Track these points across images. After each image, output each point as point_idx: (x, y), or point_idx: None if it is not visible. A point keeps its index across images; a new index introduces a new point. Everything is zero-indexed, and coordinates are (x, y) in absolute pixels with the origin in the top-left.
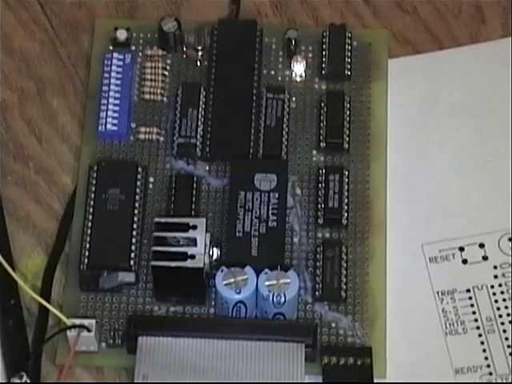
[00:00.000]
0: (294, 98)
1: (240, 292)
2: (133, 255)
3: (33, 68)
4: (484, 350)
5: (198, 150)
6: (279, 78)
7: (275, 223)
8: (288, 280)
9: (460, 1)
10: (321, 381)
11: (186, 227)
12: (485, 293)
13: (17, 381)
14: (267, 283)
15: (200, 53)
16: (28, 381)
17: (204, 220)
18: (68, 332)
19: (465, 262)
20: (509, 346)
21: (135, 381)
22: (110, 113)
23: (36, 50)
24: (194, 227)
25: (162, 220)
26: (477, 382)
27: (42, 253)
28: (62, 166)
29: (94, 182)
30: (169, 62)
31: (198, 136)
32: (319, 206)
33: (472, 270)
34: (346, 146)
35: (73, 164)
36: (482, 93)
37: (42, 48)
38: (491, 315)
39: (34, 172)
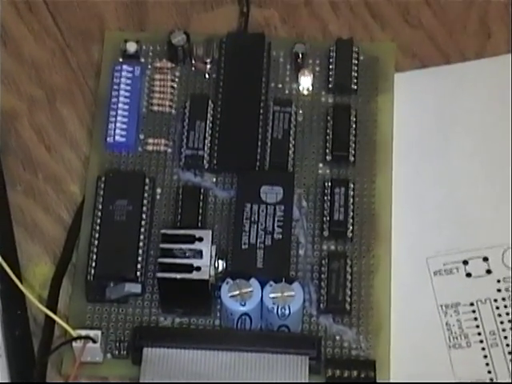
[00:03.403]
0: (300, 111)
1: (245, 304)
2: (139, 266)
3: (43, 77)
4: (487, 364)
5: (205, 161)
6: (286, 91)
7: (281, 235)
8: (293, 293)
9: (466, 16)
10: None
11: (192, 239)
12: (488, 306)
13: None
14: (272, 295)
15: (208, 65)
16: None
17: (210, 232)
18: (74, 343)
19: (469, 275)
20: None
21: None
22: (118, 124)
23: (46, 59)
24: (200, 239)
25: (169, 232)
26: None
27: (49, 262)
28: (71, 175)
29: (102, 192)
30: (177, 74)
31: (206, 148)
32: (325, 218)
33: (476, 284)
34: (352, 158)
35: (81, 172)
36: (487, 107)
37: (52, 57)
38: (494, 329)
39: (42, 180)
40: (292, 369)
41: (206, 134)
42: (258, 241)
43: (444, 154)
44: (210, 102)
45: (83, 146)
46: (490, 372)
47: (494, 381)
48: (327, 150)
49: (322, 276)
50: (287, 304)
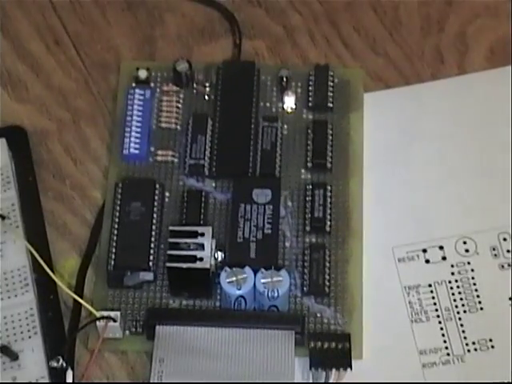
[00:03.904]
0: (285, 126)
1: (241, 288)
2: (151, 258)
3: (69, 101)
4: (443, 335)
5: (205, 169)
6: (273, 110)
7: (270, 230)
8: (281, 278)
9: (423, 44)
10: (308, 362)
11: (195, 234)
12: (444, 287)
13: (54, 364)
14: (263, 281)
15: (208, 89)
16: (64, 364)
17: (210, 228)
18: (97, 322)
19: (427, 261)
20: (463, 332)
21: (153, 363)
22: (132, 139)
23: (72, 87)
24: (202, 234)
25: (176, 228)
26: None
27: (76, 256)
28: (93, 183)
29: (120, 196)
30: (182, 96)
31: (206, 158)
32: (307, 215)
33: (433, 269)
34: (329, 165)
35: (102, 180)
36: (442, 120)
37: (77, 85)
38: (449, 306)
39: (69, 188)
40: (280, 342)
41: (206, 146)
42: (251, 235)
43: (406, 162)
44: (209, 119)
45: (103, 159)
46: (445, 341)
47: (449, 349)
48: (308, 159)
49: (305, 264)
50: (276, 288)
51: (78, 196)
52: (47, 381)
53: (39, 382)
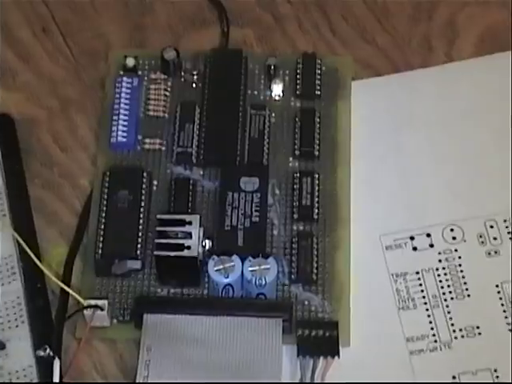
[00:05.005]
0: (273, 114)
1: (228, 276)
2: (139, 246)
3: (58, 89)
4: (430, 322)
5: (193, 157)
6: (261, 98)
7: (258, 218)
8: (268, 266)
9: (412, 32)
10: (295, 350)
11: (183, 223)
12: (431, 275)
13: (41, 353)
14: (251, 269)
15: (195, 77)
16: (51, 353)
17: (198, 217)
18: (85, 311)
19: (415, 249)
20: (450, 319)
21: (140, 352)
22: (120, 127)
23: (61, 75)
24: (190, 223)
25: (164, 217)
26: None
27: (64, 244)
28: (82, 171)
29: (107, 184)
30: (169, 84)
31: (194, 146)
32: (294, 203)
33: (421, 256)
34: (317, 153)
35: (90, 168)
36: (430, 107)
37: (65, 73)
38: (436, 293)
39: (58, 176)
40: (268, 329)
41: (194, 135)
42: (239, 223)
43: (394, 150)
44: (197, 107)
45: (91, 147)
46: (432, 329)
47: (436, 336)
48: (296, 147)
49: (293, 252)
50: (264, 276)
51: (66, 184)
52: (34, 370)
53: (27, 370)
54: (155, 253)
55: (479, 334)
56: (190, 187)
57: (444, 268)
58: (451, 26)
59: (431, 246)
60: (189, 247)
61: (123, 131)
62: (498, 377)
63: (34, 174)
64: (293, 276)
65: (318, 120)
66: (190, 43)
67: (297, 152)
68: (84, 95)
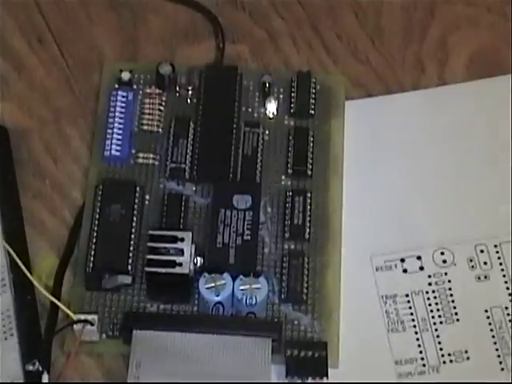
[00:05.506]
0: (267, 132)
1: (219, 295)
2: (130, 261)
3: (51, 100)
4: (419, 345)
5: (186, 173)
6: (255, 115)
7: (249, 236)
8: (259, 285)
9: (404, 53)
10: (284, 370)
11: (174, 239)
12: (421, 297)
13: (30, 368)
14: (241, 287)
15: (190, 92)
16: (40, 368)
17: (190, 234)
18: (75, 325)
19: (405, 271)
20: (439, 343)
21: (129, 367)
22: (114, 140)
23: (54, 86)
24: (182, 239)
25: (155, 232)
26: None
27: (54, 256)
28: (73, 183)
29: (100, 198)
30: (164, 99)
31: (187, 162)
32: (286, 222)
33: (411, 278)
34: (310, 172)
35: (82, 181)
36: (421, 130)
37: (59, 84)
38: (425, 316)
39: (49, 187)
40: (257, 349)
41: (188, 150)
42: (230, 241)
43: (385, 171)
44: (191, 122)
45: (84, 159)
46: (421, 352)
47: (424, 359)
48: (289, 165)
49: (284, 271)
50: (254, 295)
51: (58, 196)
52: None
53: (14, 382)
54: (146, 269)
55: (467, 358)
56: (183, 203)
57: (434, 291)
58: (442, 46)
59: (421, 268)
60: (180, 264)
61: (117, 145)
62: None
63: (25, 184)
64: (283, 295)
65: (312, 139)
66: (184, 57)
67: (289, 170)
68: (77, 106)
